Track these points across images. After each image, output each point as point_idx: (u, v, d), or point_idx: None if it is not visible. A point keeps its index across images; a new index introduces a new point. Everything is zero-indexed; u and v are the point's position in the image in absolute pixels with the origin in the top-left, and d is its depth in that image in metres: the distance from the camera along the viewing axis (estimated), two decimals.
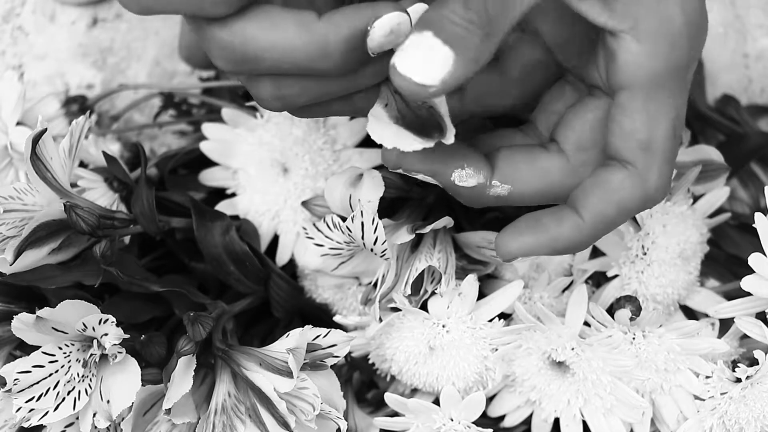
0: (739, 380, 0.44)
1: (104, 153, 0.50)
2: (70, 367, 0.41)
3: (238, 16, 0.32)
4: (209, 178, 0.53)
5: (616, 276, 0.48)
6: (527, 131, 0.40)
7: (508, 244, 0.37)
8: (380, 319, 0.44)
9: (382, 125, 0.35)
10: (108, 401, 0.41)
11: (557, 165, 0.37)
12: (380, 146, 0.36)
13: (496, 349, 0.45)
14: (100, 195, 0.50)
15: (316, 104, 0.36)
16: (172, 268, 0.52)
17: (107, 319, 0.40)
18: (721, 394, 0.45)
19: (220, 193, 0.53)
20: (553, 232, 0.36)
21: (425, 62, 0.32)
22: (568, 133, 0.38)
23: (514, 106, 0.39)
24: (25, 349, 0.42)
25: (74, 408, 0.41)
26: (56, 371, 0.41)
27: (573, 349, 0.45)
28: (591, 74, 0.37)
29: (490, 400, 0.48)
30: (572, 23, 0.36)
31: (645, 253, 0.47)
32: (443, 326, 0.45)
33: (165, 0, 0.32)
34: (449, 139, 0.35)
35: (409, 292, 0.44)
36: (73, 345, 0.41)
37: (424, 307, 0.45)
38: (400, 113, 0.35)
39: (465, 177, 0.37)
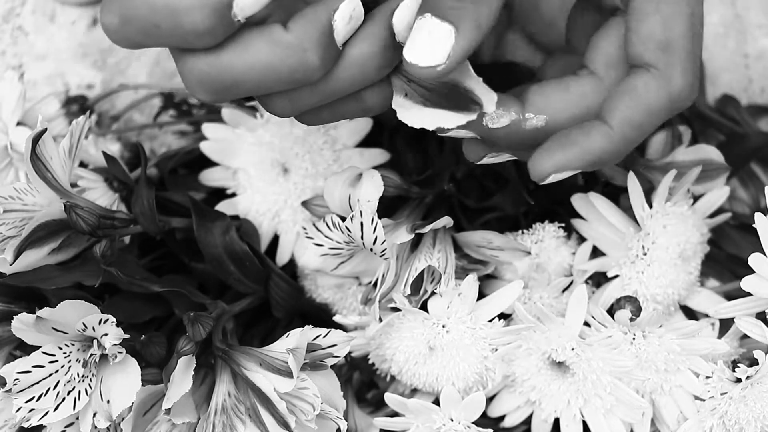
0: (739, 380, 0.44)
1: (104, 153, 0.50)
2: (70, 367, 0.41)
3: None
4: (209, 178, 0.53)
5: (616, 276, 0.48)
6: (551, 65, 0.42)
7: (541, 164, 0.37)
8: (380, 319, 0.44)
9: (414, 111, 0.35)
10: (108, 401, 0.41)
11: (591, 86, 0.38)
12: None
13: (496, 349, 0.45)
14: (100, 195, 0.50)
15: (326, 108, 0.36)
16: (172, 268, 0.52)
17: (107, 319, 0.40)
18: (721, 394, 0.45)
19: (220, 193, 0.53)
20: (583, 144, 0.36)
21: (429, 44, 0.33)
22: (595, 55, 0.38)
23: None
24: (25, 349, 0.42)
25: (74, 408, 0.41)
26: (56, 371, 0.41)
27: (573, 349, 0.45)
28: None
29: (490, 400, 0.48)
30: None
31: (645, 254, 0.47)
32: (443, 326, 0.45)
33: (152, 36, 0.32)
34: (489, 107, 0.35)
35: (408, 291, 0.44)
36: (73, 345, 0.41)
37: (423, 307, 0.45)
38: (425, 98, 0.35)
39: (496, 118, 0.37)
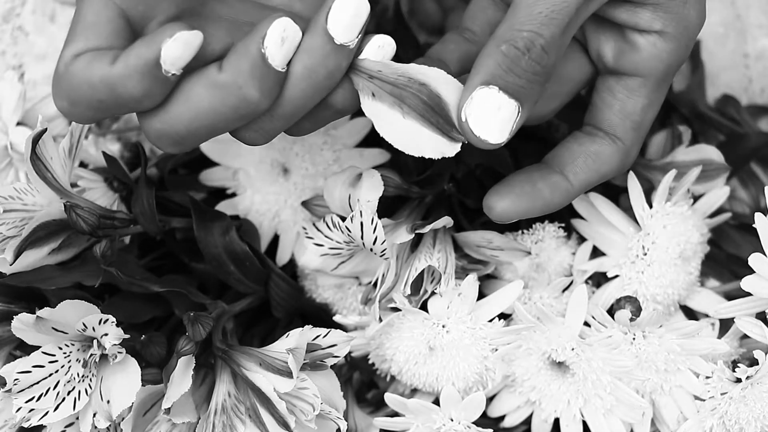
0: (739, 380, 0.44)
1: (104, 153, 0.50)
2: (70, 367, 0.41)
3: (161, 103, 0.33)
4: (209, 178, 0.53)
5: (616, 276, 0.48)
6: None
7: (504, 209, 0.40)
8: (380, 319, 0.44)
9: (392, 125, 0.35)
10: (108, 401, 0.41)
11: None
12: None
13: (496, 349, 0.45)
14: (100, 195, 0.50)
15: (304, 120, 0.36)
16: (172, 268, 0.52)
17: (107, 319, 0.40)
18: (721, 394, 0.45)
19: (220, 193, 0.53)
20: (546, 198, 0.40)
21: (500, 121, 0.35)
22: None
23: None
24: (25, 349, 0.42)
25: (74, 408, 0.41)
26: (56, 371, 0.41)
27: (573, 349, 0.45)
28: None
29: (490, 400, 0.48)
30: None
31: (645, 254, 0.47)
32: (443, 326, 0.45)
33: (100, 109, 0.33)
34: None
35: (408, 291, 0.44)
36: (73, 345, 0.41)
37: (424, 307, 0.45)
38: (395, 96, 0.35)
39: None
